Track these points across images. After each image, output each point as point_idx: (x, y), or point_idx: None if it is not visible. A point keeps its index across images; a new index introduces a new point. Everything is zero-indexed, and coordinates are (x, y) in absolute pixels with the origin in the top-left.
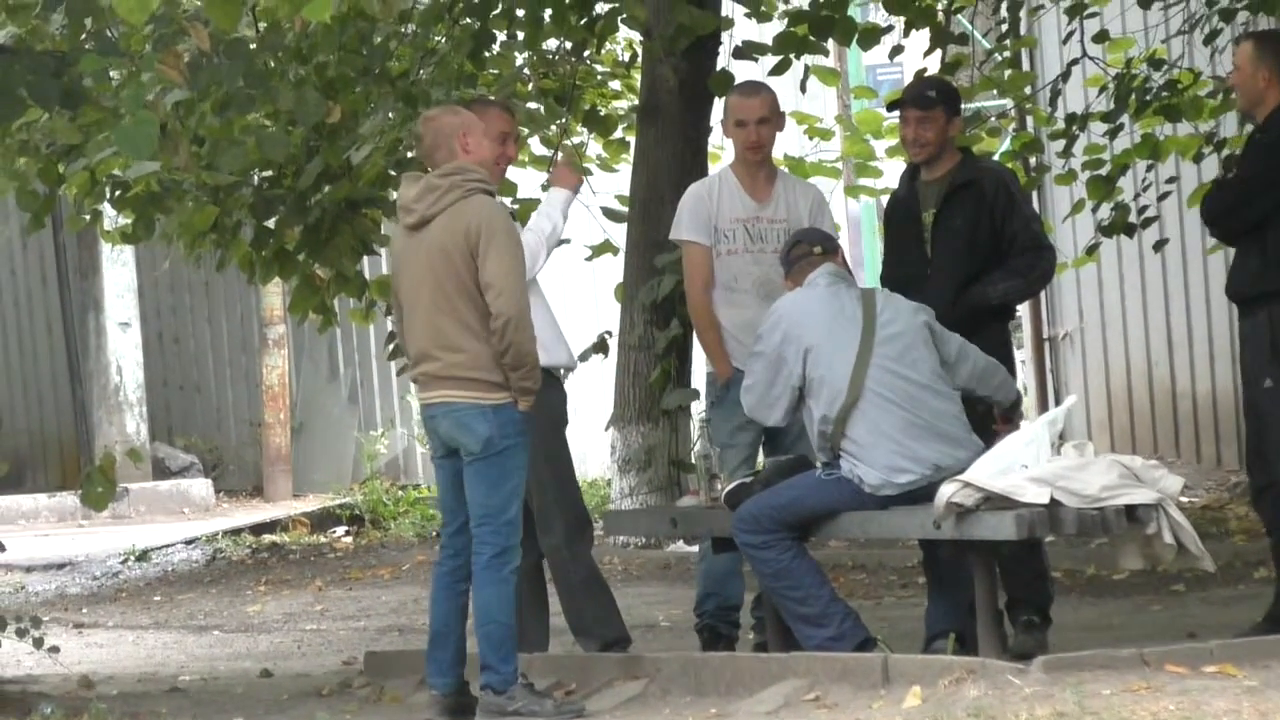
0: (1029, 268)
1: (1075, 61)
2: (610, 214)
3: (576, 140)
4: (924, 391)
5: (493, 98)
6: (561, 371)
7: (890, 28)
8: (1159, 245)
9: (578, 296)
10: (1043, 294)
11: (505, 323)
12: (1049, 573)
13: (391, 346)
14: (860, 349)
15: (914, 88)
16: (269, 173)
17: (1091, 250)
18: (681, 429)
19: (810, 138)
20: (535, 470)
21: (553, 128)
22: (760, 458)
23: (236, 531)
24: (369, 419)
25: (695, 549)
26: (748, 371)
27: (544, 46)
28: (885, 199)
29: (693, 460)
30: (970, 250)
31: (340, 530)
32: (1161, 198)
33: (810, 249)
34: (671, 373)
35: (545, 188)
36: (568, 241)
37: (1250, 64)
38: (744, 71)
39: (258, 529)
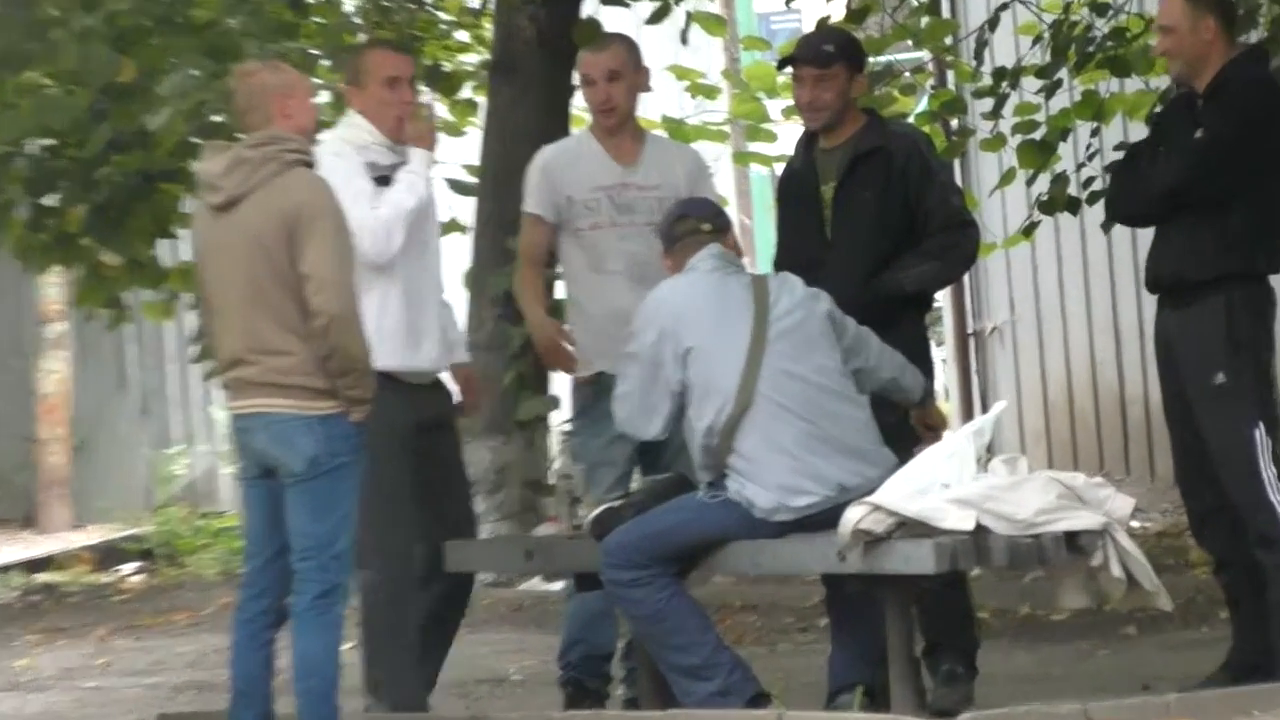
0: (947, 248)
1: (1005, 6)
2: (457, 186)
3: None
4: (826, 396)
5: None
6: (416, 377)
7: None
8: (1107, 224)
9: None
10: (967, 281)
11: (327, 323)
12: (974, 613)
13: (199, 348)
14: (750, 347)
15: (808, 42)
16: (49, 141)
17: (1028, 231)
18: (538, 444)
19: (693, 96)
20: (361, 490)
21: None
22: (636, 477)
23: (4, 569)
24: (164, 434)
25: (558, 586)
26: (620, 375)
27: None
28: (780, 167)
29: (552, 481)
30: (879, 229)
31: (129, 567)
32: (1108, 168)
33: (698, 225)
34: (527, 377)
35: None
36: None
37: (1188, 18)
38: (614, 21)
39: (29, 566)
